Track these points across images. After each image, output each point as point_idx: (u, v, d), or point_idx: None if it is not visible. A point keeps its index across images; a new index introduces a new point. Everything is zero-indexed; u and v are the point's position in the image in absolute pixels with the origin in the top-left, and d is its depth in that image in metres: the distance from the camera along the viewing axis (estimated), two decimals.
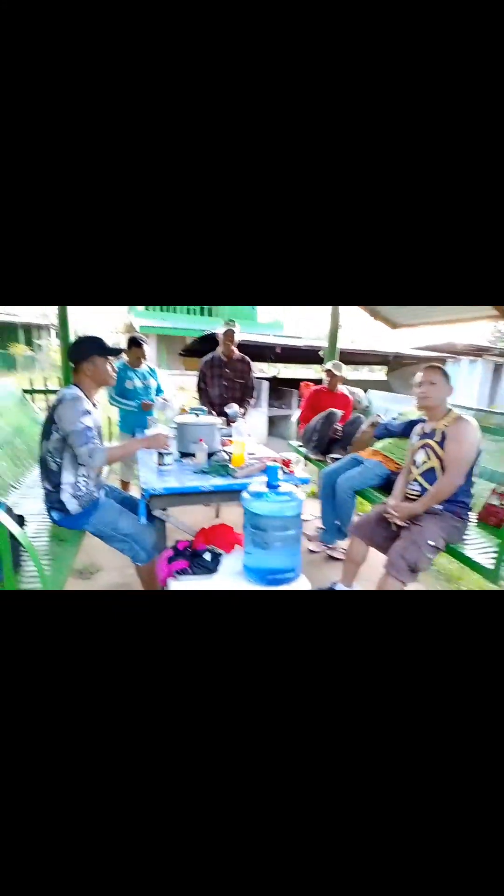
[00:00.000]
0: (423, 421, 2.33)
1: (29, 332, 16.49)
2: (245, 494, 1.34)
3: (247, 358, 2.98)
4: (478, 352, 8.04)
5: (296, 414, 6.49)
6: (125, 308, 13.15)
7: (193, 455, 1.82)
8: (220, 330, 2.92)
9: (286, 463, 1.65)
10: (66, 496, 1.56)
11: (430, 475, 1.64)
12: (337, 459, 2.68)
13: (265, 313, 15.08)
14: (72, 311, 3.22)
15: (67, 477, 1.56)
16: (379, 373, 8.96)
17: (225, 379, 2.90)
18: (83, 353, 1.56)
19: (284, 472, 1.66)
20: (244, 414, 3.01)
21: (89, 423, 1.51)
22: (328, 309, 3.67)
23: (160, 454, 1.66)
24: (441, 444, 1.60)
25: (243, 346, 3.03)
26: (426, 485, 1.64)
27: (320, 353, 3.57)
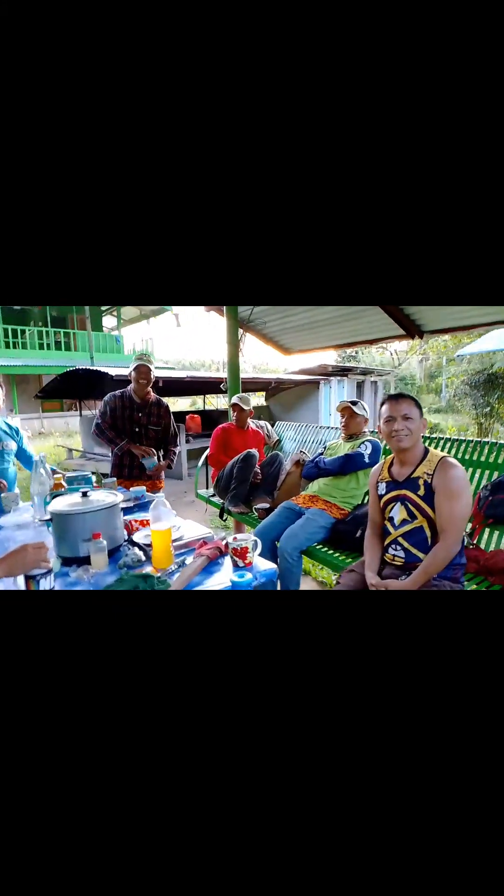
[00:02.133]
0: (360, 455, 2.06)
1: None
2: None
3: (164, 401, 2.37)
4: (343, 372, 8.68)
5: (183, 450, 6.00)
6: None
7: (87, 562, 1.15)
8: (130, 366, 2.25)
9: (241, 553, 1.11)
10: None
11: (415, 536, 1.29)
12: (266, 511, 2.23)
13: (129, 343, 14.26)
14: None
15: None
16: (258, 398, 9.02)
17: (138, 425, 2.23)
18: None
19: (240, 567, 1.12)
20: (169, 466, 2.39)
21: None
22: (207, 333, 3.28)
23: (28, 577, 0.96)
24: (426, 498, 1.26)
25: (120, 381, 2.40)
26: (413, 550, 1.28)
27: (222, 385, 3.14)
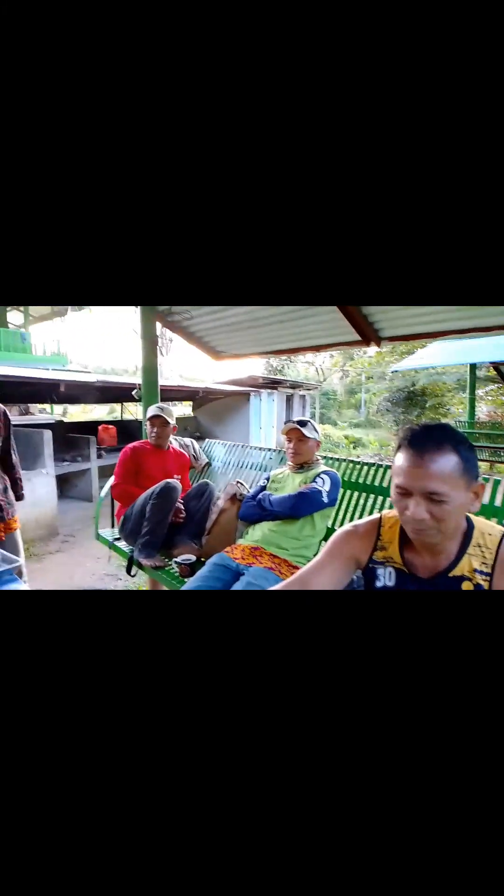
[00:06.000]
0: (316, 492, 1.51)
1: None
2: None
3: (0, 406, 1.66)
4: (273, 384, 8.41)
5: (94, 466, 5.15)
6: None
7: None
8: None
9: None
10: None
11: None
12: (191, 566, 1.64)
13: (39, 345, 12.74)
14: None
15: None
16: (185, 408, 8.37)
17: None
18: None
19: None
20: (17, 496, 1.71)
21: None
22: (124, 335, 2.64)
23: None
24: None
25: (7, 385, 1.72)
26: None
27: (134, 392, 2.50)
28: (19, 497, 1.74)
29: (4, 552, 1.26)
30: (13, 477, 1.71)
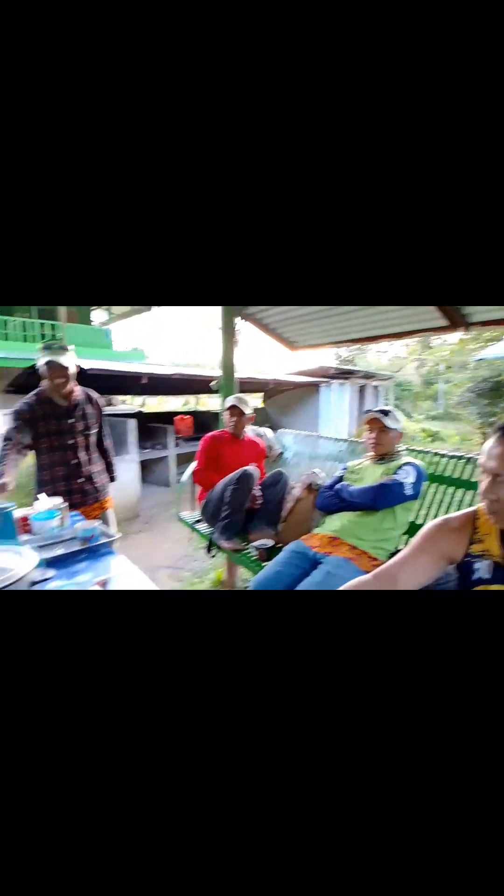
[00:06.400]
0: (398, 484, 1.46)
1: None
2: None
3: (93, 395, 1.82)
4: (345, 375, 8.19)
5: (172, 454, 5.45)
6: None
7: None
8: (37, 360, 1.65)
9: None
10: None
11: None
12: (268, 551, 1.69)
13: (121, 339, 13.60)
14: None
15: None
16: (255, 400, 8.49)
17: (66, 433, 1.69)
18: None
19: None
20: (111, 478, 1.89)
21: None
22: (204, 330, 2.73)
23: None
24: None
25: (96, 378, 1.90)
26: None
27: (212, 384, 2.60)
28: (112, 479, 1.92)
29: (105, 527, 1.40)
30: (107, 461, 1.89)
